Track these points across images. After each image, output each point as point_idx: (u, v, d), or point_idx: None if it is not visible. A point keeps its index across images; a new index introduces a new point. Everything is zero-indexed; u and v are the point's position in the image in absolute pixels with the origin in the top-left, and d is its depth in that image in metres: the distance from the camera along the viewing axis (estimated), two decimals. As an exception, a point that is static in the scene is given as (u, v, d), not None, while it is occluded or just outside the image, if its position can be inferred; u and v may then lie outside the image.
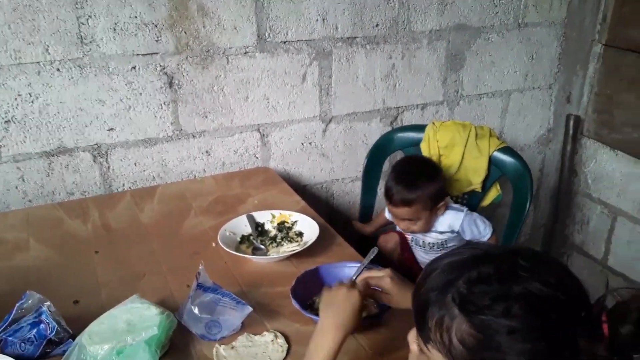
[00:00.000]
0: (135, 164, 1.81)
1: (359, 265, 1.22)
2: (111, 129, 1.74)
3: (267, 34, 1.84)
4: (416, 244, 1.79)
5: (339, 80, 2.02)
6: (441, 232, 1.71)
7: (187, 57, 1.76)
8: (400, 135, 1.99)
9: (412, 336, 0.79)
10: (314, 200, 2.11)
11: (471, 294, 0.68)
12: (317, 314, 1.05)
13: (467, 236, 1.71)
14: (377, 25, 2.01)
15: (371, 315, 1.17)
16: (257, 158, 2.00)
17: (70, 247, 1.48)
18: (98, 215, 1.63)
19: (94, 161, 1.75)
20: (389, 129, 2.15)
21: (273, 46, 1.87)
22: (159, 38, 1.70)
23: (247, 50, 1.83)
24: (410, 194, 1.60)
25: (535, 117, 2.50)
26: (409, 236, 1.80)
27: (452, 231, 1.70)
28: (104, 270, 1.38)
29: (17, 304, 1.10)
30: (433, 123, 1.92)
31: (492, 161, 1.85)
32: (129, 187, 1.82)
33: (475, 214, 1.73)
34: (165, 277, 1.35)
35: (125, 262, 1.41)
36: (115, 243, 1.50)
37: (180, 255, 1.44)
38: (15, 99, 1.59)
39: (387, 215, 1.83)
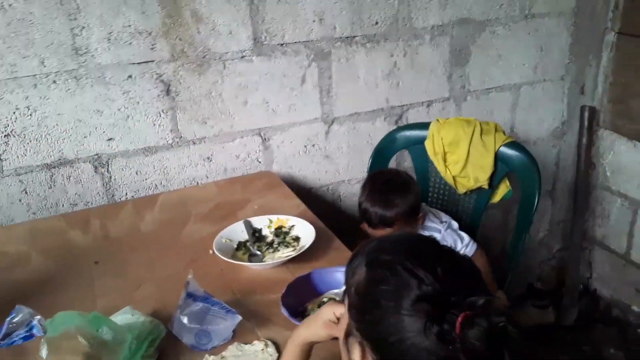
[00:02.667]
0: (136, 173, 1.81)
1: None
2: (110, 139, 1.74)
3: (263, 37, 1.83)
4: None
5: (340, 80, 1.99)
6: None
7: (183, 64, 1.75)
8: (404, 133, 1.96)
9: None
10: (320, 203, 2.09)
11: (380, 252, 0.77)
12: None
13: None
14: (376, 23, 1.97)
15: None
16: (260, 162, 1.98)
17: (70, 258, 1.48)
18: (99, 225, 1.64)
19: (96, 171, 1.76)
20: (394, 127, 2.11)
21: (270, 49, 1.85)
22: (154, 46, 1.69)
23: (244, 54, 1.82)
24: (389, 214, 1.56)
25: (547, 110, 2.43)
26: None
27: None
28: (102, 281, 1.38)
29: (7, 319, 1.11)
30: (437, 120, 1.88)
31: (498, 157, 1.80)
32: (132, 196, 1.83)
33: (457, 231, 1.71)
34: (161, 286, 1.34)
35: (122, 272, 1.41)
36: (114, 253, 1.50)
37: (177, 264, 1.43)
38: (14, 112, 1.61)
39: None
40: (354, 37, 1.97)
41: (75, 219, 1.67)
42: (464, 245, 1.69)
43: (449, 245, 1.64)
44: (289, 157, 2.01)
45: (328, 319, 0.92)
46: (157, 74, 1.73)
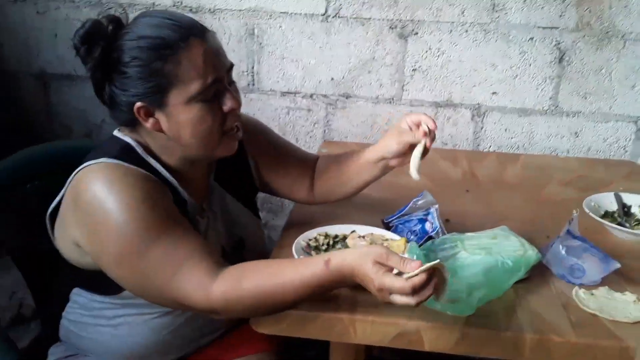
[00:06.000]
0: (505, 130, 1.95)
1: None
2: (494, 93, 1.90)
3: (676, 23, 1.76)
4: None
5: None
6: None
7: (584, 36, 1.80)
8: None
9: None
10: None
11: None
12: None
13: None
14: None
15: None
16: (626, 152, 1.93)
17: (442, 181, 1.70)
18: (467, 164, 1.82)
19: (472, 119, 1.95)
20: None
21: (679, 37, 1.77)
22: (563, 14, 1.78)
23: (650, 37, 1.78)
24: None
25: None
26: None
27: None
28: (472, 206, 1.56)
29: (413, 200, 1.34)
30: None
31: None
32: (494, 150, 1.98)
33: None
34: (525, 225, 1.43)
35: (489, 205, 1.56)
36: (481, 188, 1.67)
37: (541, 212, 1.52)
38: (426, 51, 1.88)
39: None
40: None
41: (445, 154, 1.89)
42: None
43: None
44: (660, 154, 1.91)
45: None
46: (556, 41, 1.82)
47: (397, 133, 1.20)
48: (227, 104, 1.10)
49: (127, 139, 1.13)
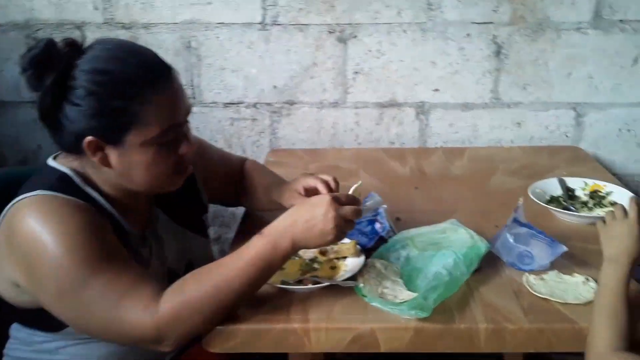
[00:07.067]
0: (449, 125, 1.97)
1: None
2: (436, 90, 1.92)
3: (604, 11, 1.81)
4: None
5: (678, 66, 1.87)
6: None
7: (519, 29, 1.84)
8: None
9: None
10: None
11: None
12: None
13: None
14: None
15: None
16: (568, 137, 1.97)
17: (391, 180, 1.70)
18: (414, 161, 1.83)
19: (416, 117, 1.96)
20: None
21: (608, 24, 1.83)
22: (497, 8, 1.82)
23: (580, 26, 1.83)
24: None
25: None
26: None
27: None
28: (421, 202, 1.57)
29: (363, 201, 1.33)
30: None
31: None
32: (441, 146, 1.99)
33: None
34: (474, 216, 1.44)
35: (438, 200, 1.58)
36: (429, 184, 1.68)
37: (489, 202, 1.54)
38: (366, 53, 1.89)
39: None
40: None
41: (393, 153, 1.90)
42: None
43: None
44: (599, 138, 1.97)
45: None
46: (493, 35, 1.85)
47: (288, 196, 1.29)
48: (183, 149, 1.08)
49: (64, 168, 1.07)
